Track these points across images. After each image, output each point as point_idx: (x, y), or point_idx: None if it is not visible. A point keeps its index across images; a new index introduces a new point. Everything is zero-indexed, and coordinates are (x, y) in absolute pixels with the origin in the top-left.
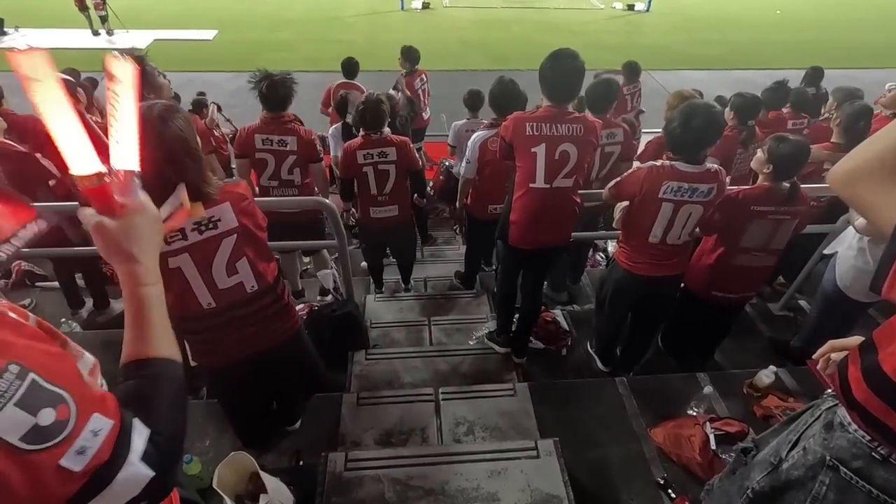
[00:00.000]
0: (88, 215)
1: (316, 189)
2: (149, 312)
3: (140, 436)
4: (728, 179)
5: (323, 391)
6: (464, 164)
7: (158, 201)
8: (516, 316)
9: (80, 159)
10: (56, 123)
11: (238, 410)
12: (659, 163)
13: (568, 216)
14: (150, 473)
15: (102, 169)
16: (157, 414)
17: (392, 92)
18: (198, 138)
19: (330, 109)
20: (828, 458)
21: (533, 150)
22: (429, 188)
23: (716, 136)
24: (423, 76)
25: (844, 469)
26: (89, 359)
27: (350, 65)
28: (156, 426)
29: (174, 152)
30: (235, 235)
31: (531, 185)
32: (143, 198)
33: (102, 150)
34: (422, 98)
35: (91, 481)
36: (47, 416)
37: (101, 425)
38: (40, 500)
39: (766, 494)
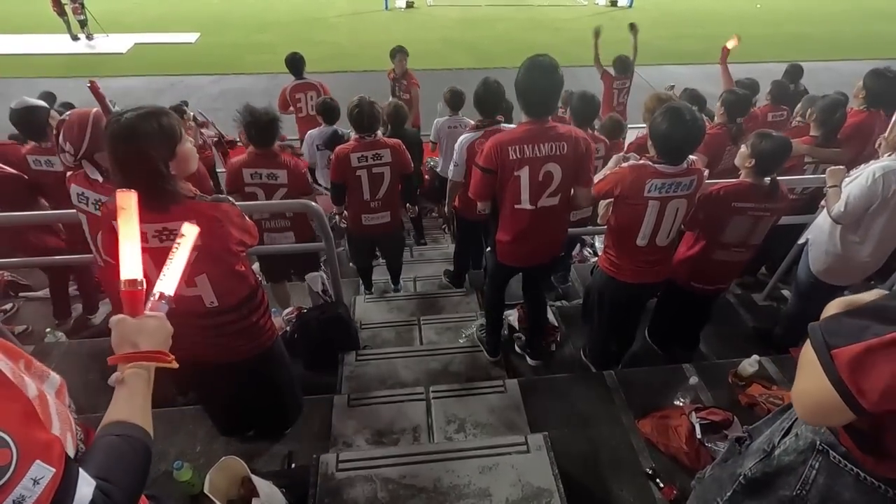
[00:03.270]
0: (115, 318)
1: (312, 223)
2: (142, 389)
3: (87, 485)
4: (707, 172)
5: (284, 415)
6: (451, 166)
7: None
8: (505, 323)
9: (130, 268)
10: (125, 239)
11: (207, 406)
12: (641, 162)
13: (555, 235)
14: None
15: (140, 278)
16: (120, 466)
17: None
18: (176, 142)
19: (290, 110)
20: (818, 442)
21: (516, 173)
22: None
23: (699, 142)
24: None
25: (833, 453)
26: (55, 379)
27: (295, 60)
28: (113, 476)
29: (132, 167)
30: (195, 254)
31: (516, 206)
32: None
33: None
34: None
35: None
36: None
37: (42, 473)
38: None
39: (757, 480)
